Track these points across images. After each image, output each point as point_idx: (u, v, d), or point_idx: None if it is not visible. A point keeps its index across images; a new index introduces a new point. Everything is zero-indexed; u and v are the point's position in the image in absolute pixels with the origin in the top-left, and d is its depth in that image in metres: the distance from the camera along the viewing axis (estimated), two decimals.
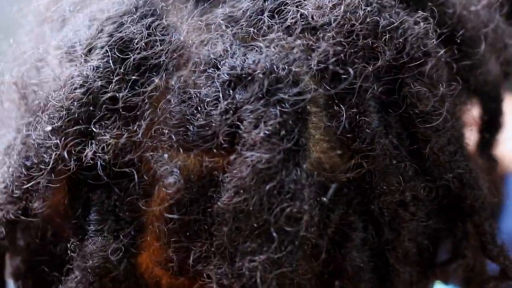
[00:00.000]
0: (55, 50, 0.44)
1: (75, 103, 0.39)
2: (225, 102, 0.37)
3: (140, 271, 0.41)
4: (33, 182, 0.40)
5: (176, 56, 0.39)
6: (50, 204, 0.41)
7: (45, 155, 0.39)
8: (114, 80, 0.38)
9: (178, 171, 0.37)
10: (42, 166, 0.40)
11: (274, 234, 0.36)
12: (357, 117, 0.39)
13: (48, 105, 0.40)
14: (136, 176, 0.38)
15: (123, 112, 0.38)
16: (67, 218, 0.41)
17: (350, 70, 0.38)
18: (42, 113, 0.40)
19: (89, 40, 0.41)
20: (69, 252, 0.40)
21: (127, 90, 0.38)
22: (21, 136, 0.42)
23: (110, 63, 0.39)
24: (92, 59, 0.40)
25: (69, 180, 0.40)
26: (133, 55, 0.39)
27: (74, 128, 0.38)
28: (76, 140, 0.38)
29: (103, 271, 0.40)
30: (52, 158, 0.39)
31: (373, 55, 0.39)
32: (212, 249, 0.37)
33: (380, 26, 0.39)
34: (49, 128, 0.39)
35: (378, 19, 0.39)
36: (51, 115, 0.40)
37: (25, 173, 0.40)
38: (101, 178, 0.39)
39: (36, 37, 0.48)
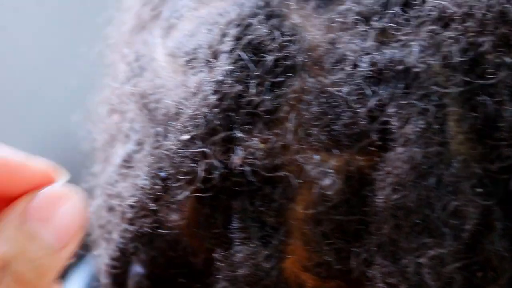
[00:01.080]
0: (167, 56, 0.43)
1: (213, 109, 0.38)
2: (372, 100, 0.36)
3: (285, 276, 0.40)
4: (170, 194, 0.39)
5: (310, 56, 0.38)
6: (187, 215, 0.40)
7: (182, 165, 0.39)
8: (252, 84, 0.38)
9: (334, 172, 0.36)
10: (179, 177, 0.39)
11: (438, 230, 0.35)
12: (495, 107, 0.39)
13: (179, 113, 0.39)
14: (284, 180, 0.37)
15: (266, 116, 0.37)
16: (207, 228, 0.40)
17: (489, 60, 0.38)
18: (172, 123, 0.39)
19: (213, 45, 0.40)
20: (214, 262, 0.40)
21: (266, 93, 0.38)
22: (148, 147, 0.41)
23: (244, 66, 0.38)
24: (221, 64, 0.39)
25: (210, 189, 0.39)
26: (267, 57, 0.38)
27: (219, 135, 0.38)
28: (221, 147, 0.38)
29: (254, 279, 0.39)
30: (194, 167, 0.38)
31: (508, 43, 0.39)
32: (373, 248, 0.37)
33: None
34: (186, 137, 0.38)
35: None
36: (186, 124, 0.39)
37: (160, 185, 0.40)
38: (243, 185, 0.38)
39: (135, 44, 0.47)
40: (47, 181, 0.37)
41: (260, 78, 0.38)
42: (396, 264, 0.36)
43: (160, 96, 0.41)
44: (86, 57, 0.52)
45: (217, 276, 0.40)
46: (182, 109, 0.39)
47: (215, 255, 0.40)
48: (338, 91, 0.37)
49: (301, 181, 0.37)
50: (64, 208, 0.37)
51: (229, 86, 0.38)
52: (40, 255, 0.36)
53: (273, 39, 0.38)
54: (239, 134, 0.37)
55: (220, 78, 0.38)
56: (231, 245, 0.39)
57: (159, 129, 0.40)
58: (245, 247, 0.39)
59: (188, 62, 0.41)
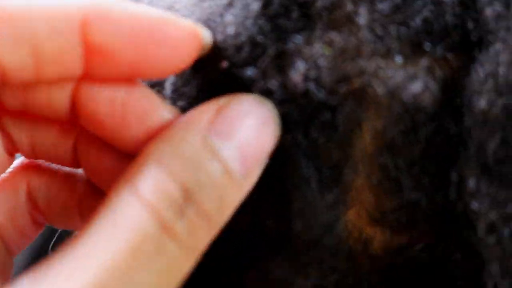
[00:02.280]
0: None
1: (258, 20, 0.29)
2: None
3: (345, 235, 0.31)
4: None
5: None
6: None
7: None
8: None
9: (426, 76, 0.28)
10: None
11: None
12: None
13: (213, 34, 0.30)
14: (353, 97, 0.29)
15: (325, 14, 0.29)
16: None
17: None
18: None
19: None
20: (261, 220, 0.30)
21: None
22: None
23: None
24: None
25: None
26: None
27: (270, 51, 0.29)
28: (275, 66, 0.29)
29: (312, 238, 0.30)
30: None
31: None
32: (475, 174, 0.29)
33: None
34: (226, 64, 0.29)
35: None
36: (224, 46, 0.30)
37: None
38: (292, 110, 0.29)
39: None
40: (194, 43, 0.29)
41: None
42: (509, 188, 0.28)
43: (179, 14, 0.32)
44: None
45: (267, 238, 0.31)
46: (213, 28, 0.30)
47: (266, 209, 0.31)
48: None
49: (379, 90, 0.28)
50: (254, 125, 0.28)
51: None
52: (224, 182, 0.28)
53: None
54: (294, 43, 0.29)
55: None
56: (283, 194, 0.30)
57: None
58: (300, 193, 0.30)
59: None
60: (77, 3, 0.28)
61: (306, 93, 0.28)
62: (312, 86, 0.28)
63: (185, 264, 0.27)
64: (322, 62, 0.28)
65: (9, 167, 0.35)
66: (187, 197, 0.27)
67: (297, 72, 0.28)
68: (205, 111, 0.29)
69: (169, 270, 0.27)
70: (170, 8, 0.32)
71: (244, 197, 0.29)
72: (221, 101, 0.29)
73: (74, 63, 0.28)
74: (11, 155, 0.34)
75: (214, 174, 0.28)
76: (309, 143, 0.30)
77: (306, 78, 0.28)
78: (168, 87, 0.32)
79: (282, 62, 0.29)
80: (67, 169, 0.35)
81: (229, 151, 0.28)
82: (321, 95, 0.28)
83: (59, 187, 0.35)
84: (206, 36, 0.29)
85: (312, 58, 0.28)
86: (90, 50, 0.28)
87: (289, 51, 0.29)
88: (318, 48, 0.28)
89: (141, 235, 0.26)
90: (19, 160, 0.35)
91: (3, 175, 0.35)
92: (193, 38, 0.29)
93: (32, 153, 0.33)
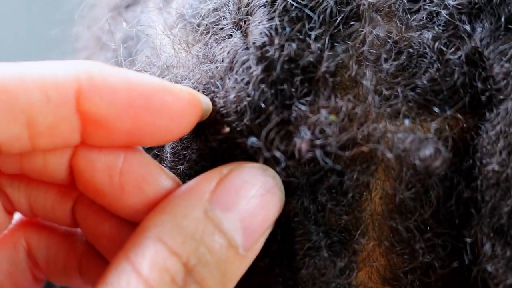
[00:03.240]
0: (172, 29, 0.33)
1: (260, 85, 0.28)
2: (469, 41, 0.28)
3: None
4: None
5: None
6: None
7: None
8: (307, 41, 0.28)
9: (436, 139, 0.27)
10: None
11: None
12: None
13: (211, 99, 0.29)
14: (360, 160, 0.28)
15: (331, 78, 0.28)
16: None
17: None
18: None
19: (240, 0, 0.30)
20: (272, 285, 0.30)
21: (326, 50, 0.28)
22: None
23: (294, 17, 0.29)
24: (259, 20, 0.29)
25: None
26: (325, 3, 0.29)
27: (273, 119, 0.28)
28: (279, 134, 0.28)
29: None
30: None
31: None
32: (489, 235, 0.28)
33: None
34: (227, 130, 0.29)
35: None
36: (225, 111, 0.29)
37: None
38: (298, 176, 0.28)
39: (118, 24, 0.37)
40: (193, 112, 0.28)
41: (320, 29, 0.28)
42: None
43: (175, 78, 0.31)
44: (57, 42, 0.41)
45: None
46: (214, 92, 0.29)
47: (274, 275, 0.30)
48: (419, 36, 0.29)
49: (389, 154, 0.27)
50: (262, 201, 0.27)
51: (277, 48, 0.28)
52: (226, 257, 0.27)
53: None
54: (299, 110, 0.28)
55: (262, 39, 0.28)
56: (292, 260, 0.29)
57: None
58: (311, 260, 0.29)
59: (209, 27, 0.31)
60: (71, 71, 0.27)
61: (313, 160, 0.28)
62: (318, 153, 0.27)
63: None
64: (328, 129, 0.27)
65: (8, 226, 0.34)
66: (188, 276, 0.26)
67: (303, 140, 0.27)
68: (207, 181, 0.28)
69: None
70: (169, 68, 0.31)
71: (250, 266, 0.28)
72: (224, 169, 0.28)
73: (70, 133, 0.27)
74: (10, 214, 0.33)
75: (217, 249, 0.27)
76: (317, 208, 0.29)
77: (312, 145, 0.27)
78: (167, 150, 0.31)
79: (286, 130, 0.28)
80: (65, 228, 0.34)
81: (231, 223, 0.27)
82: (328, 161, 0.27)
83: (58, 245, 0.34)
84: (205, 104, 0.29)
85: (318, 126, 0.27)
86: (86, 119, 0.27)
87: (293, 119, 0.28)
88: (324, 116, 0.27)
89: None
90: (18, 216, 0.34)
91: (3, 232, 0.34)
92: (192, 106, 0.28)
93: (30, 213, 0.33)
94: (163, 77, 0.31)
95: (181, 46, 0.32)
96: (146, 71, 0.32)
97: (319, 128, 0.27)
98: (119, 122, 0.27)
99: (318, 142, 0.27)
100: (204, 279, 0.26)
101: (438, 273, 0.29)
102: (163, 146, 0.31)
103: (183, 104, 0.28)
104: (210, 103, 0.29)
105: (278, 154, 0.27)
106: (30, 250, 0.34)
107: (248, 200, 0.27)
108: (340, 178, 0.28)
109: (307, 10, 0.28)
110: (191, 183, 0.28)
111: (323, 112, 0.27)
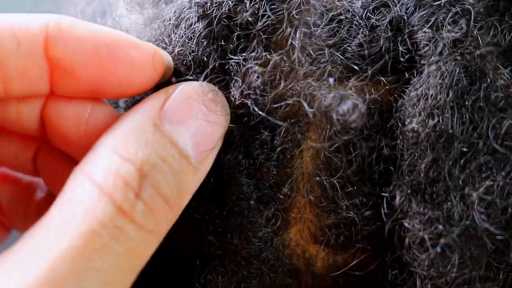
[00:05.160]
0: None
1: (202, 40, 0.30)
2: (395, 8, 0.30)
3: (287, 252, 0.32)
4: None
5: None
6: None
7: None
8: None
9: (356, 96, 0.29)
10: None
11: (492, 155, 0.28)
12: None
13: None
14: (288, 116, 0.30)
15: (264, 36, 0.30)
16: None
17: None
18: None
19: None
20: (202, 235, 0.31)
21: (264, 8, 0.30)
22: None
23: None
24: None
25: None
26: None
27: (211, 68, 0.30)
28: (217, 82, 0.30)
29: (251, 251, 0.31)
30: None
31: None
32: (407, 192, 0.29)
33: None
34: (174, 80, 0.31)
35: None
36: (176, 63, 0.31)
37: None
38: (235, 128, 0.30)
39: None
40: (156, 67, 0.30)
41: None
42: (438, 208, 0.29)
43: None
44: None
45: (207, 251, 0.32)
46: (163, 48, 0.31)
47: (202, 226, 0.31)
48: (350, 4, 0.31)
49: (313, 111, 0.29)
50: (204, 111, 0.29)
51: (217, 6, 0.31)
52: (179, 166, 0.28)
53: None
54: (234, 62, 0.30)
55: None
56: (223, 209, 0.31)
57: None
58: (240, 209, 0.31)
59: None
60: (41, 20, 0.29)
61: (246, 111, 0.30)
62: (250, 103, 0.29)
63: (146, 247, 0.27)
64: (256, 81, 0.29)
65: None
66: (143, 180, 0.27)
67: (236, 89, 0.30)
68: (155, 99, 0.29)
69: (128, 253, 0.26)
70: (125, 29, 0.34)
71: (181, 214, 0.29)
72: (170, 89, 0.30)
73: (39, 80, 0.29)
74: None
75: (169, 158, 0.28)
76: (249, 162, 0.31)
77: (244, 95, 0.29)
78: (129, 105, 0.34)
79: (224, 78, 0.30)
80: (28, 178, 0.36)
81: (181, 136, 0.28)
82: (257, 109, 0.29)
83: (20, 193, 0.36)
84: (167, 60, 0.30)
85: (248, 77, 0.29)
86: (53, 66, 0.29)
87: (229, 70, 0.30)
88: (254, 68, 0.29)
89: (97, 220, 0.26)
90: None
91: None
92: (155, 61, 0.30)
93: None
94: None
95: (134, 8, 0.34)
96: None
97: (248, 79, 0.29)
98: (84, 70, 0.29)
99: (249, 92, 0.29)
100: (160, 184, 0.27)
101: (360, 229, 0.30)
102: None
103: (146, 59, 0.29)
104: (171, 61, 0.31)
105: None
106: None
107: (197, 115, 0.29)
108: (271, 134, 0.30)
109: None
110: (139, 104, 0.30)
111: (252, 63, 0.29)
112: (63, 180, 0.30)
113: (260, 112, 0.29)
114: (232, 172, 0.31)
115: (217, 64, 0.30)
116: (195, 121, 0.29)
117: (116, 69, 0.29)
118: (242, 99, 0.29)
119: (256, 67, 0.29)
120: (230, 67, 0.30)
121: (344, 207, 0.30)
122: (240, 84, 0.29)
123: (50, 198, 0.35)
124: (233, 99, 0.30)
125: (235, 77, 0.30)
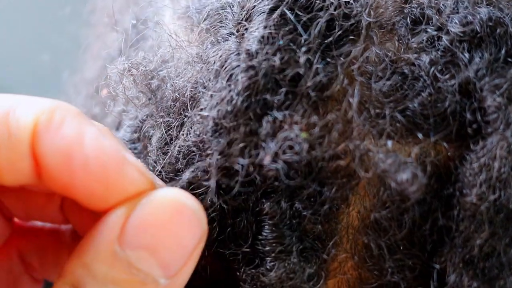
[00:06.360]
0: (178, 20, 0.33)
1: (244, 93, 0.28)
2: (466, 70, 0.28)
3: None
4: None
5: (377, 15, 0.29)
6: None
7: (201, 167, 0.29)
8: (299, 53, 0.28)
9: (415, 163, 0.28)
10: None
11: None
12: None
13: (197, 99, 0.30)
14: (339, 174, 0.28)
15: (313, 93, 0.28)
16: (233, 241, 0.30)
17: None
18: (188, 112, 0.30)
19: (244, 3, 0.30)
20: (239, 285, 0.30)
21: (317, 63, 0.28)
22: (154, 142, 0.32)
23: (290, 29, 0.28)
24: (256, 28, 0.29)
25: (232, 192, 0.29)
26: (320, 16, 0.29)
27: (246, 128, 0.28)
28: (247, 142, 0.28)
29: None
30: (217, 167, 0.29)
31: None
32: (459, 264, 0.28)
33: None
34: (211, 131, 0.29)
35: None
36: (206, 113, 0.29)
37: None
38: (278, 184, 0.28)
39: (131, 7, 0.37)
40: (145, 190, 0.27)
41: (309, 44, 0.28)
42: (489, 284, 0.28)
43: (168, 74, 0.31)
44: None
45: None
46: (201, 93, 0.30)
47: (240, 275, 0.30)
48: (417, 59, 0.28)
49: (366, 174, 0.28)
50: (173, 228, 0.27)
51: (265, 59, 0.28)
52: None
53: None
54: (271, 122, 0.28)
55: (254, 47, 0.28)
56: (261, 262, 0.30)
57: (169, 119, 0.31)
58: (281, 263, 0.29)
59: (210, 26, 0.31)
60: (33, 110, 0.27)
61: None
62: (282, 166, 0.27)
63: None
64: (297, 146, 0.27)
65: (9, 232, 0.35)
66: None
67: (267, 154, 0.28)
68: (114, 220, 0.27)
69: None
70: (163, 63, 0.32)
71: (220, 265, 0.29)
72: (130, 205, 0.27)
73: (28, 172, 0.27)
74: (8, 220, 0.35)
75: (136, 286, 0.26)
76: (293, 214, 0.29)
77: (276, 159, 0.27)
78: (154, 144, 0.32)
79: (254, 139, 0.28)
80: (51, 225, 0.35)
81: (144, 260, 0.26)
82: (293, 174, 0.28)
83: (46, 243, 0.35)
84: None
85: (288, 142, 0.27)
86: (37, 161, 0.27)
87: (262, 131, 0.28)
88: (296, 133, 0.27)
89: None
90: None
91: (5, 238, 0.35)
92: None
93: (26, 217, 0.34)
94: (158, 72, 0.31)
95: (178, 43, 0.32)
96: (142, 65, 0.32)
97: (287, 144, 0.27)
98: (59, 176, 0.27)
99: (284, 156, 0.27)
100: None
101: None
102: (150, 139, 0.32)
103: (126, 185, 0.27)
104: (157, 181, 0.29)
105: (243, 161, 0.28)
106: (22, 254, 0.35)
107: (158, 233, 0.27)
108: (320, 188, 0.29)
109: (299, 27, 0.28)
110: (98, 225, 0.27)
111: (295, 128, 0.27)
112: (91, 225, 0.29)
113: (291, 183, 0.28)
114: (274, 222, 0.29)
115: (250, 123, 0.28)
116: (160, 241, 0.27)
117: (90, 185, 0.27)
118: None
119: (300, 133, 0.27)
120: (264, 127, 0.28)
121: (389, 269, 0.29)
122: (274, 147, 0.27)
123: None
124: (260, 162, 0.28)
125: (267, 140, 0.28)
